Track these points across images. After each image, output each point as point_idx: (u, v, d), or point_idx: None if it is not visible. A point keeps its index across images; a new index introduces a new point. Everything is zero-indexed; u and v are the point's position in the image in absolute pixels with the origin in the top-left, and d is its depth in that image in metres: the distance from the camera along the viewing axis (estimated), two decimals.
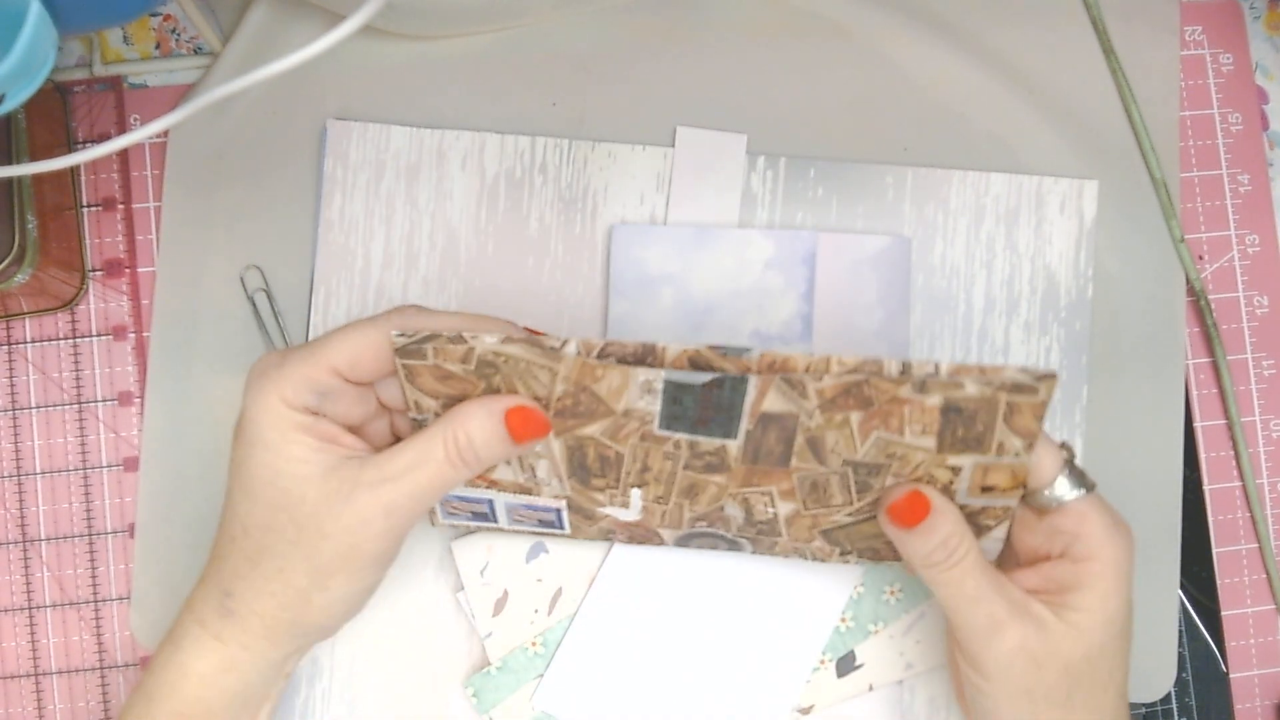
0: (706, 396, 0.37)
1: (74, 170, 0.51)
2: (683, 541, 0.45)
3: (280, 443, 0.37)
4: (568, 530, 0.45)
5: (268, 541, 0.38)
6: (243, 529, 0.38)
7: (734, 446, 0.39)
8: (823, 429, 0.37)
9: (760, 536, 0.44)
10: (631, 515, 0.43)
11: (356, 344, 0.38)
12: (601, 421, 0.38)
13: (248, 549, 0.38)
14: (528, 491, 0.42)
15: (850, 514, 0.41)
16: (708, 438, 0.39)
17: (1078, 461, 0.40)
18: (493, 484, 0.42)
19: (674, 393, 0.37)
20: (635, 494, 0.42)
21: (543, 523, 0.45)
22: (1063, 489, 0.39)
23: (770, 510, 0.42)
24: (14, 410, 0.50)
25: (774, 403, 0.37)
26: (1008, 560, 0.42)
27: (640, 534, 0.45)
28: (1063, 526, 0.39)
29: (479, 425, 0.37)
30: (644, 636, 0.47)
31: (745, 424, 0.38)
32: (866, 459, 0.38)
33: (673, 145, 0.51)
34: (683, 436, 0.39)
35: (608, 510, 0.43)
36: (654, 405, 0.37)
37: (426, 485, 0.37)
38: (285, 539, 0.37)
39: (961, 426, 0.37)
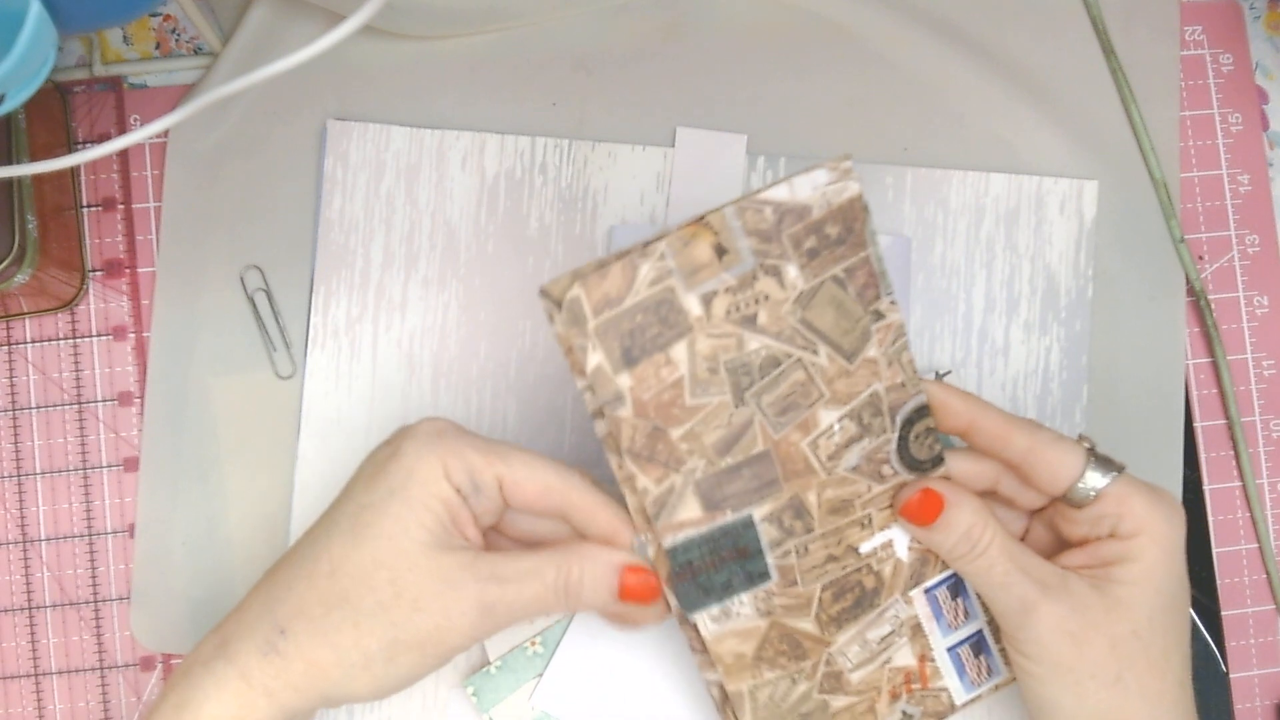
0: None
1: (74, 170, 0.51)
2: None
3: (422, 508, 0.36)
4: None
5: (355, 593, 0.36)
6: (331, 567, 0.36)
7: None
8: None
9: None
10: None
11: (534, 479, 0.38)
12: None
13: (328, 590, 0.36)
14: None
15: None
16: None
17: (1100, 449, 0.40)
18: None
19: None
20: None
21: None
22: (1094, 479, 0.39)
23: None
24: (14, 410, 0.50)
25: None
26: (1056, 549, 0.42)
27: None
28: (1105, 511, 0.39)
29: (592, 570, 0.38)
30: (643, 636, 0.47)
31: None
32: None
33: (673, 145, 0.51)
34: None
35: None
36: None
37: (529, 600, 0.37)
38: (376, 598, 0.36)
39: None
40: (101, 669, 0.49)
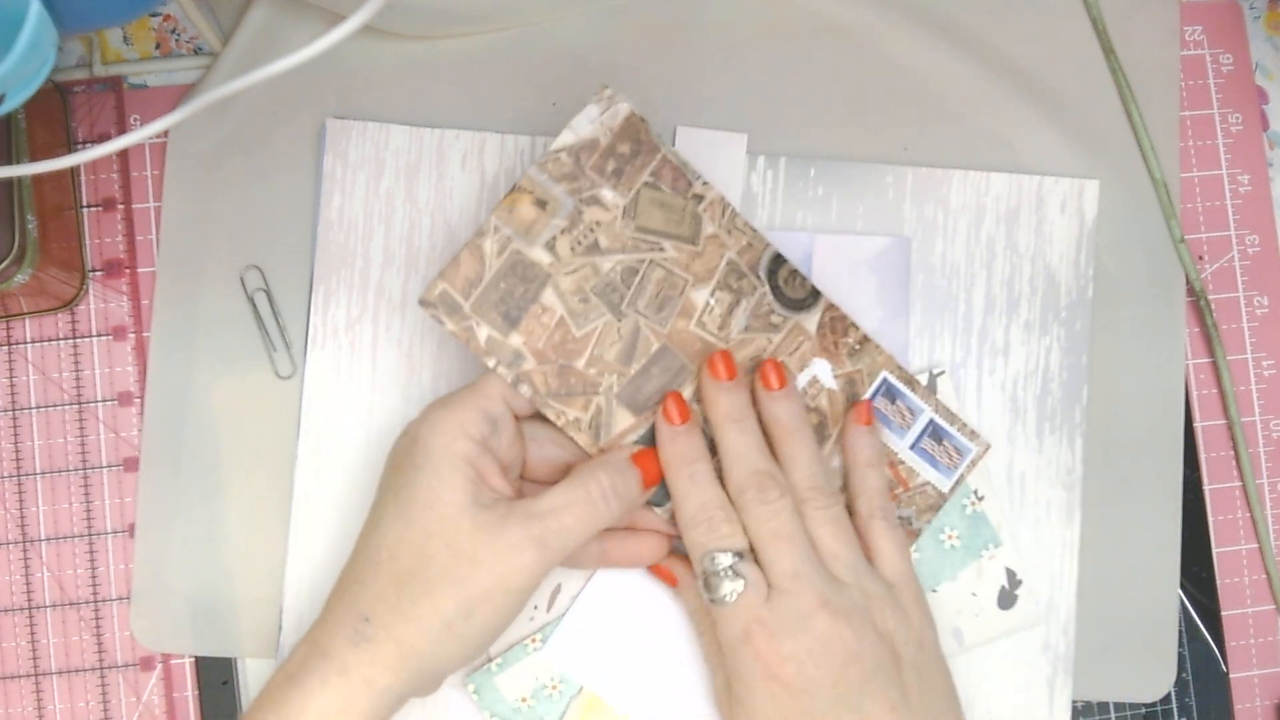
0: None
1: (74, 170, 0.51)
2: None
3: (449, 470, 0.39)
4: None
5: (418, 566, 0.39)
6: (390, 553, 0.39)
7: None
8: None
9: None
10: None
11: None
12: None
13: (395, 572, 0.39)
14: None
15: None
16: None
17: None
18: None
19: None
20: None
21: None
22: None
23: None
24: (14, 410, 0.50)
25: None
26: None
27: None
28: None
29: (614, 471, 0.42)
30: (658, 597, 0.47)
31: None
32: None
33: (673, 145, 0.51)
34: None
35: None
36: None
37: (573, 523, 0.40)
38: (437, 564, 0.38)
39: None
40: (101, 669, 0.49)
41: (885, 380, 0.47)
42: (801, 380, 0.46)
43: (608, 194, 0.44)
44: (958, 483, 0.47)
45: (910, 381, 0.47)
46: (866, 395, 0.47)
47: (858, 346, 0.47)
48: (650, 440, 0.44)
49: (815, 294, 0.46)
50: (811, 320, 0.46)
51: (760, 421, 0.44)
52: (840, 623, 0.40)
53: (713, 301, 0.45)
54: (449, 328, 0.42)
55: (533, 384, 0.43)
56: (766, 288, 0.45)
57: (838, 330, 0.47)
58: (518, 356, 0.43)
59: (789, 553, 0.41)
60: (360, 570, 0.40)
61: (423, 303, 0.42)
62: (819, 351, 0.46)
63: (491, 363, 0.43)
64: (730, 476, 0.43)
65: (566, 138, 0.43)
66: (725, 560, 0.41)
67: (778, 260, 0.46)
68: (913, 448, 0.47)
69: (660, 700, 0.47)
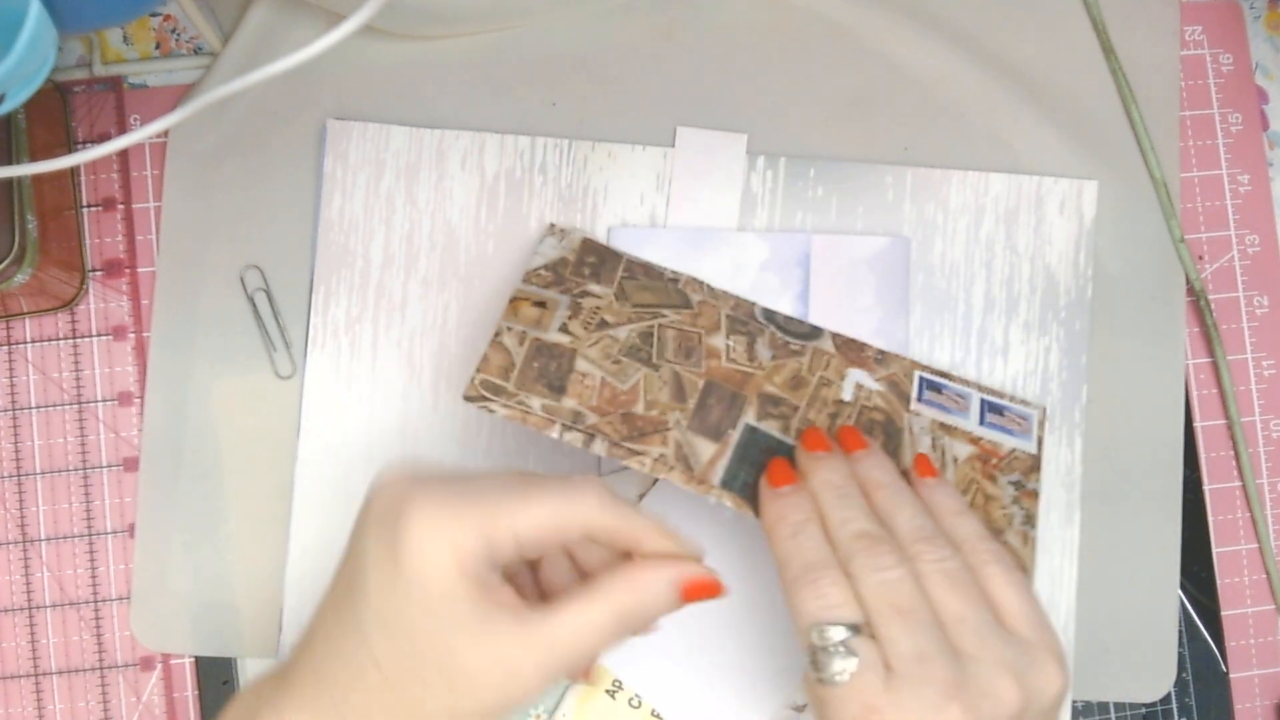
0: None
1: (74, 170, 0.51)
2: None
3: (445, 592, 0.34)
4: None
5: (415, 693, 0.34)
6: (374, 663, 0.34)
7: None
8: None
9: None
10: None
11: (542, 522, 0.35)
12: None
13: (386, 697, 0.34)
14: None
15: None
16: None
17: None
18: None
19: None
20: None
21: None
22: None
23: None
24: (14, 410, 0.50)
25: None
26: None
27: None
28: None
29: (647, 594, 0.36)
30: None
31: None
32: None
33: (673, 145, 0.51)
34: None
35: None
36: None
37: (588, 650, 0.35)
38: (427, 686, 0.34)
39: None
40: (101, 669, 0.49)
41: (923, 377, 0.48)
42: (848, 390, 0.46)
43: (596, 287, 0.46)
44: (1039, 444, 0.47)
45: (944, 374, 0.49)
46: (912, 394, 0.47)
47: (880, 356, 0.48)
48: (738, 460, 0.42)
49: (817, 328, 0.48)
50: (826, 343, 0.48)
51: None
52: (971, 717, 0.35)
53: (731, 343, 0.46)
54: (501, 412, 0.41)
55: (604, 434, 0.42)
56: (772, 327, 0.47)
57: (854, 347, 0.48)
58: (579, 415, 0.42)
59: (912, 631, 0.35)
60: (338, 675, 0.35)
61: (468, 398, 0.41)
62: (849, 364, 0.47)
63: (555, 431, 0.41)
64: (837, 543, 0.38)
65: (537, 260, 0.47)
66: (837, 635, 0.36)
67: (769, 310, 0.48)
68: (981, 424, 0.47)
69: (676, 685, 0.47)
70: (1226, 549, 0.52)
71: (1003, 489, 0.45)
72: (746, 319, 0.47)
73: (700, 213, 0.50)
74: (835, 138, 0.52)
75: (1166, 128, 0.52)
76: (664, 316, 0.46)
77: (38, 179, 0.47)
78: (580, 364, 0.43)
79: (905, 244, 0.50)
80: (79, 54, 0.52)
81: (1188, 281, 0.52)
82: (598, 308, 0.45)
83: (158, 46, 0.52)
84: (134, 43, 0.52)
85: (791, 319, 0.48)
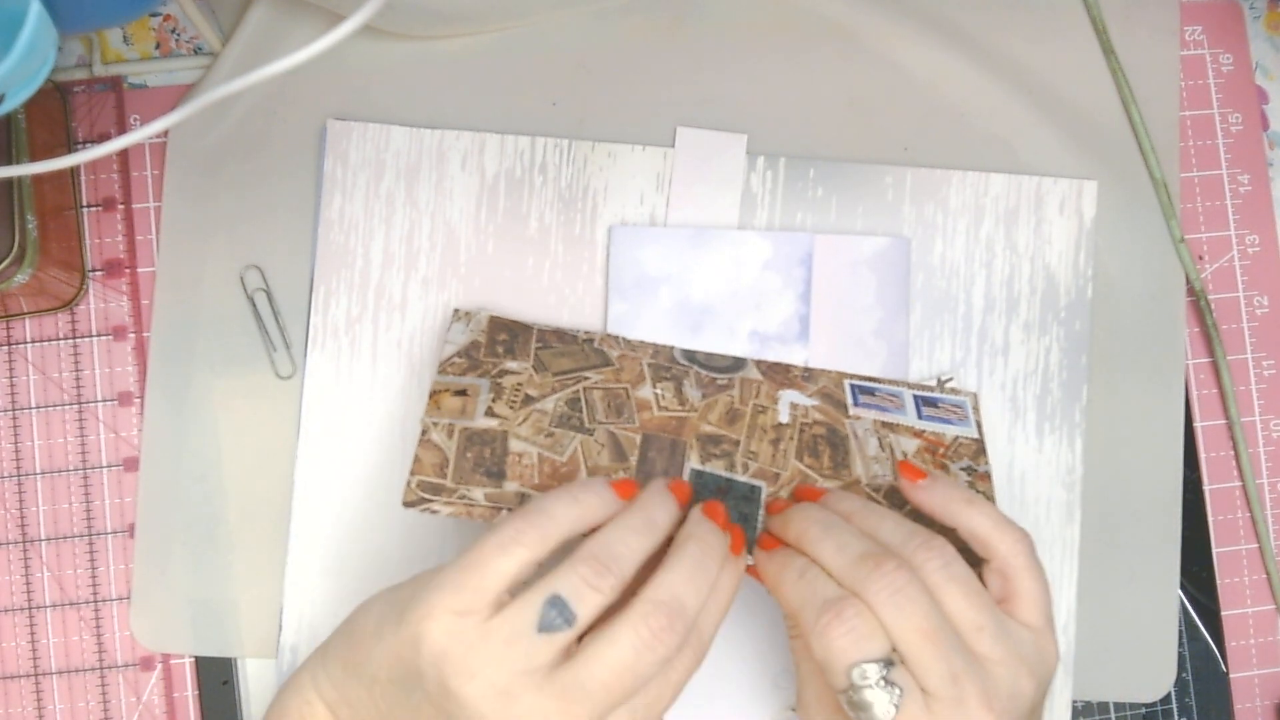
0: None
1: (74, 170, 0.51)
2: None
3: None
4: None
5: None
6: None
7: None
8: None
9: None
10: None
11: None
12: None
13: None
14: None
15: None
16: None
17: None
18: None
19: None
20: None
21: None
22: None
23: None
24: (14, 410, 0.50)
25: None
26: None
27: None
28: None
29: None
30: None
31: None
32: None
33: (673, 145, 0.51)
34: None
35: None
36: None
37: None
38: None
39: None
40: (101, 669, 0.49)
41: (853, 385, 0.48)
42: (784, 412, 0.46)
43: (513, 364, 0.46)
44: (979, 427, 0.48)
45: (872, 379, 0.49)
46: (847, 401, 0.47)
47: (807, 373, 0.49)
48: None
49: (739, 359, 0.49)
50: (752, 371, 0.48)
51: None
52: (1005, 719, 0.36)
53: (659, 391, 0.46)
54: (444, 511, 0.41)
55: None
56: (695, 366, 0.48)
57: (779, 370, 0.48)
58: (523, 498, 0.41)
59: (942, 654, 0.35)
60: None
61: (407, 504, 0.41)
62: (779, 387, 0.48)
63: (499, 517, 0.40)
64: (841, 573, 0.37)
65: (449, 349, 0.46)
66: (875, 672, 0.35)
67: (688, 350, 0.49)
68: (920, 418, 0.48)
69: None
70: (1226, 549, 0.52)
71: (957, 475, 0.45)
72: (669, 364, 0.47)
73: (700, 213, 0.50)
74: (835, 138, 0.52)
75: (1166, 128, 0.52)
76: (587, 379, 0.46)
77: (38, 179, 0.47)
78: (514, 444, 0.43)
79: (905, 244, 0.50)
80: (79, 54, 0.52)
81: (1188, 281, 0.52)
82: (519, 384, 0.45)
83: (158, 46, 0.52)
84: (134, 43, 0.52)
85: (713, 355, 0.49)
